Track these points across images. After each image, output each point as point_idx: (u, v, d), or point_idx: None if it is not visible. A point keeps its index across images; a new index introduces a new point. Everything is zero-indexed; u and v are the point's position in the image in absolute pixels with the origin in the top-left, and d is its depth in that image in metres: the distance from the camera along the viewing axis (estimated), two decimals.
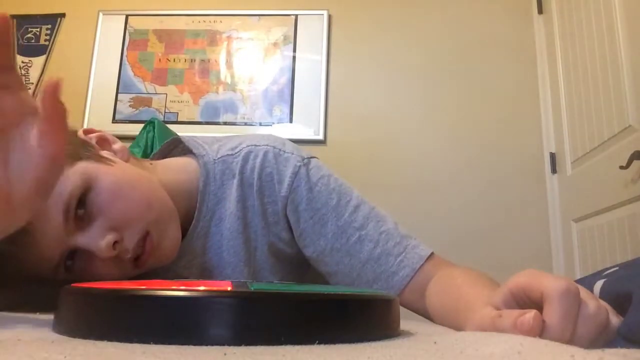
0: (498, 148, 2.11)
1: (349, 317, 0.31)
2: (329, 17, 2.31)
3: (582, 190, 1.78)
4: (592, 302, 0.32)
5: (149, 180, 0.60)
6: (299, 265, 0.70)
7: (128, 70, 2.34)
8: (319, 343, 0.29)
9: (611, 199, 1.54)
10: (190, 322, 0.28)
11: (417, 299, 0.60)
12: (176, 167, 0.67)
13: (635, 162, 1.39)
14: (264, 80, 2.28)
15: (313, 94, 2.23)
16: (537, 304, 0.32)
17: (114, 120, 2.28)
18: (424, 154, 2.14)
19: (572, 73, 1.86)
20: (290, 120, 2.22)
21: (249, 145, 0.67)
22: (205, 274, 0.66)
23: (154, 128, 1.76)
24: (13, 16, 2.46)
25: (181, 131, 1.82)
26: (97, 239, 0.51)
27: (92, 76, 2.32)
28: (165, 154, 0.74)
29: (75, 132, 0.58)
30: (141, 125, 1.81)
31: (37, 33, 2.43)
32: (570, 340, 0.30)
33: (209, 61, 2.32)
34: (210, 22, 2.37)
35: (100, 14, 2.40)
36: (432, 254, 0.62)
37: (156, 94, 2.31)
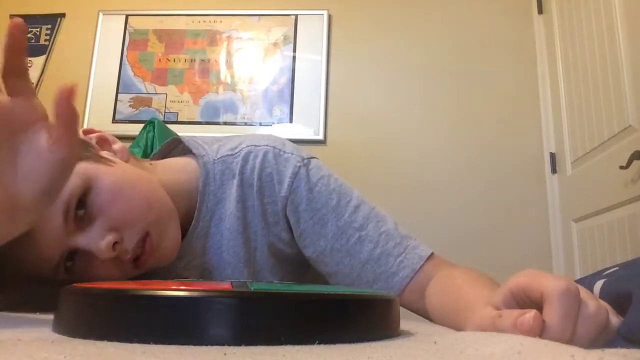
0: (498, 148, 2.11)
1: (349, 317, 0.31)
2: (329, 17, 2.31)
3: (582, 190, 1.78)
4: (592, 302, 0.32)
5: (148, 180, 0.60)
6: (299, 265, 0.70)
7: (128, 70, 2.34)
8: (319, 343, 0.29)
9: (611, 199, 1.54)
10: (190, 322, 0.28)
11: (417, 299, 0.60)
12: (176, 167, 0.67)
13: (635, 162, 1.39)
14: (264, 80, 2.28)
15: (313, 94, 2.23)
16: (537, 304, 0.32)
17: (114, 120, 2.28)
18: (424, 154, 2.14)
19: (572, 73, 1.86)
20: (290, 120, 2.22)
21: (248, 146, 0.67)
22: (205, 274, 0.66)
23: (154, 128, 1.76)
24: (13, 16, 2.46)
25: (181, 131, 1.82)
26: (97, 240, 0.51)
27: (92, 76, 2.32)
28: (165, 154, 0.74)
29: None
30: (141, 125, 1.81)
31: (37, 33, 2.43)
32: (570, 340, 0.30)
33: (209, 61, 2.32)
34: (210, 22, 2.37)
35: (100, 14, 2.40)
36: (432, 254, 0.62)
37: (156, 94, 2.31)
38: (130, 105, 2.30)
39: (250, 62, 2.31)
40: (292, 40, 2.30)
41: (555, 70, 2.02)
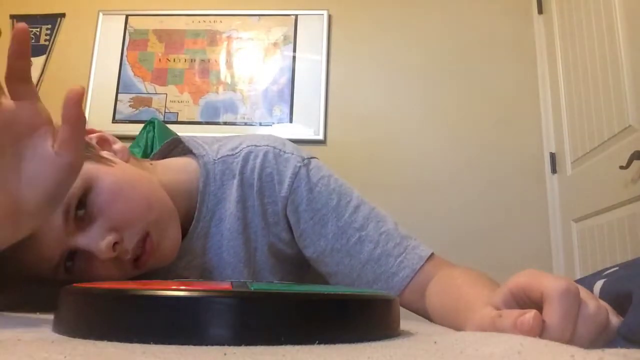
0: (498, 148, 2.11)
1: (349, 317, 0.31)
2: (329, 17, 2.32)
3: (582, 190, 1.78)
4: (592, 302, 0.32)
5: (149, 180, 0.59)
6: (299, 265, 0.70)
7: (128, 70, 2.34)
8: (319, 343, 0.29)
9: (611, 199, 1.54)
10: (190, 322, 0.28)
11: (417, 300, 0.60)
12: (176, 167, 0.67)
13: (635, 162, 1.39)
14: (264, 80, 2.28)
15: (313, 94, 2.23)
16: (537, 304, 0.32)
17: (114, 120, 2.28)
18: (424, 154, 2.14)
19: (572, 73, 1.86)
20: (290, 120, 2.22)
21: (249, 146, 0.67)
22: (205, 274, 0.66)
23: (154, 128, 1.76)
24: (13, 16, 2.46)
25: (181, 131, 1.82)
26: (97, 240, 0.51)
27: (92, 76, 2.32)
28: (165, 154, 0.74)
29: None
30: (141, 125, 1.81)
31: (37, 33, 2.43)
32: (570, 340, 0.30)
33: (209, 61, 2.32)
34: (210, 22, 2.37)
35: (100, 14, 2.40)
36: (432, 254, 0.62)
37: (156, 94, 2.31)
38: (130, 105, 2.30)
39: (250, 62, 2.31)
40: (292, 40, 2.30)
41: (555, 70, 2.02)
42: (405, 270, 0.61)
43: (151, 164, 0.66)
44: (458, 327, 0.43)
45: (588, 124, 1.72)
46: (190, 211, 0.64)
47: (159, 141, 1.71)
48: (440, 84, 2.21)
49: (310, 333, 0.29)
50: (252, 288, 0.32)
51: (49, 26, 2.44)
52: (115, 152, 0.60)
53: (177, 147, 0.74)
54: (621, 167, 1.41)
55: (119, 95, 2.31)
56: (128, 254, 0.54)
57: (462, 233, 2.01)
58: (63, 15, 2.46)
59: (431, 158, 2.14)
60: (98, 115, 2.27)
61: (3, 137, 0.37)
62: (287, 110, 2.23)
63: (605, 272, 0.41)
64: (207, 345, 0.27)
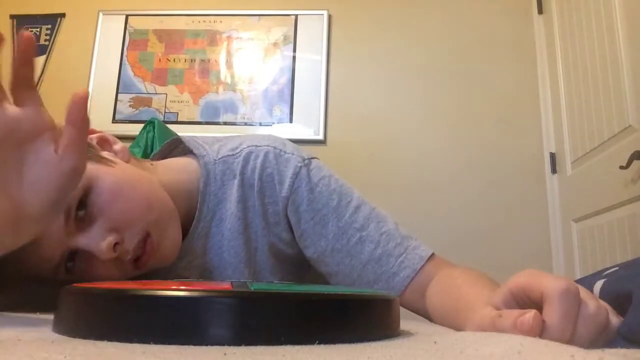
0: (498, 148, 2.11)
1: (349, 317, 0.31)
2: (329, 17, 2.32)
3: (582, 190, 1.78)
4: (592, 302, 0.32)
5: (149, 181, 0.59)
6: (300, 265, 0.70)
7: (128, 70, 2.34)
8: (319, 343, 0.29)
9: (611, 199, 1.54)
10: (190, 322, 0.28)
11: (418, 300, 0.61)
12: (176, 168, 0.67)
13: (635, 162, 1.39)
14: (264, 80, 2.28)
15: (313, 94, 2.23)
16: (537, 304, 0.32)
17: (114, 120, 2.28)
18: (424, 154, 2.14)
19: (572, 73, 1.86)
20: (290, 120, 2.22)
21: (249, 146, 0.67)
22: (206, 274, 0.66)
23: (154, 128, 1.76)
24: (13, 16, 2.46)
25: (181, 131, 1.82)
26: (97, 240, 0.51)
27: (92, 76, 2.32)
28: (166, 154, 0.74)
29: None
30: (141, 125, 1.81)
31: (37, 33, 2.43)
32: (570, 340, 0.30)
33: (209, 61, 2.32)
34: (210, 22, 2.37)
35: (100, 14, 2.40)
36: (432, 254, 0.62)
37: (156, 94, 2.31)
38: (130, 105, 2.30)
39: (250, 62, 2.31)
40: (292, 40, 2.30)
41: (555, 70, 2.02)
42: (406, 270, 0.61)
43: (152, 164, 0.66)
44: (458, 327, 0.43)
45: (588, 124, 1.72)
46: (190, 211, 0.64)
47: (159, 141, 1.71)
48: (440, 84, 2.21)
49: (310, 333, 0.29)
50: (252, 288, 0.32)
51: (49, 26, 2.44)
52: (115, 153, 0.60)
53: (177, 147, 0.74)
54: (621, 167, 1.41)
55: (119, 95, 2.31)
56: (128, 254, 0.54)
57: (462, 233, 2.01)
58: (63, 15, 2.46)
59: (431, 158, 2.14)
60: (98, 115, 2.27)
61: (6, 143, 0.38)
62: (287, 110, 2.23)
63: (605, 272, 0.41)
64: (207, 345, 0.27)
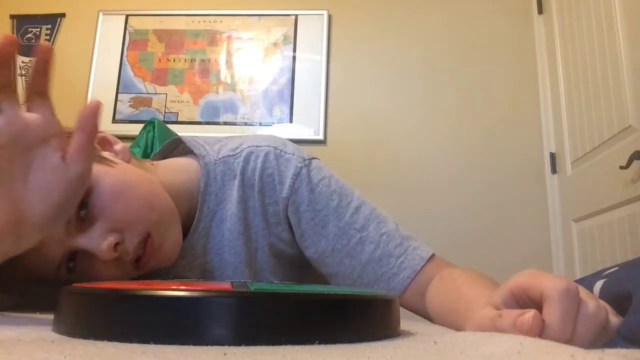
0: (498, 148, 2.11)
1: (349, 317, 0.31)
2: (329, 17, 2.32)
3: (582, 190, 1.78)
4: (592, 301, 0.32)
5: (150, 181, 0.59)
6: (300, 266, 0.70)
7: (128, 70, 2.34)
8: (319, 343, 0.29)
9: (611, 199, 1.54)
10: (190, 322, 0.28)
11: (418, 300, 0.61)
12: (177, 168, 0.67)
13: (635, 162, 1.39)
14: (264, 80, 2.28)
15: (313, 94, 2.23)
16: (537, 304, 0.32)
17: (114, 120, 2.28)
18: (424, 154, 2.14)
19: (572, 73, 1.86)
20: (290, 120, 2.22)
21: (250, 146, 0.67)
22: (206, 274, 0.66)
23: (154, 128, 1.76)
24: (13, 16, 2.46)
25: (181, 131, 1.82)
26: (98, 241, 0.51)
27: (92, 76, 2.32)
28: (166, 154, 0.74)
29: None
30: (141, 125, 1.81)
31: (37, 33, 2.43)
32: (570, 340, 0.30)
33: (209, 61, 2.32)
34: (210, 22, 2.37)
35: (100, 14, 2.40)
36: (432, 255, 0.62)
37: (156, 94, 2.31)
38: (130, 105, 2.30)
39: (250, 62, 2.31)
40: (292, 40, 2.30)
41: (555, 70, 2.02)
42: (406, 271, 0.61)
43: (152, 165, 0.66)
44: (458, 328, 0.43)
45: (588, 124, 1.72)
46: (191, 211, 0.64)
47: (159, 141, 1.71)
48: (440, 83, 2.21)
49: (310, 333, 0.29)
50: (252, 288, 0.32)
51: (49, 26, 2.44)
52: (116, 153, 0.60)
53: (177, 147, 0.74)
54: (621, 167, 1.41)
55: (119, 95, 2.31)
56: (129, 254, 0.54)
57: (462, 233, 2.01)
58: (63, 15, 2.46)
59: (431, 158, 2.14)
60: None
61: (13, 146, 0.38)
62: (287, 110, 2.23)
63: (605, 272, 0.41)
64: (207, 345, 0.27)
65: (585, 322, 0.31)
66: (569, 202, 1.90)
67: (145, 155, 1.63)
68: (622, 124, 1.48)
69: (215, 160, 0.66)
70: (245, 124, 2.24)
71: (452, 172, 2.11)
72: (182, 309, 0.28)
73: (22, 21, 2.46)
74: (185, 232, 0.63)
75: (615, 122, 1.53)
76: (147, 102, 2.30)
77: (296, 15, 2.33)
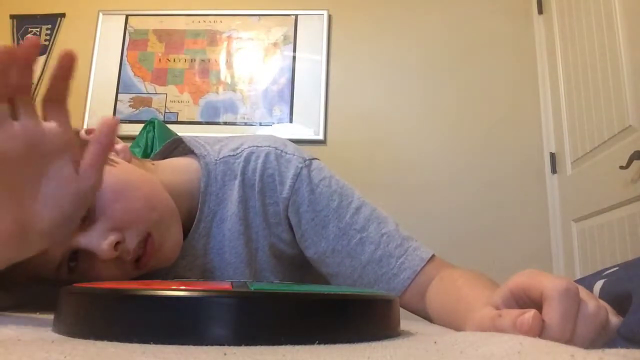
0: (498, 148, 2.11)
1: (349, 317, 0.31)
2: (329, 17, 2.32)
3: (582, 190, 1.78)
4: (592, 301, 0.32)
5: (151, 181, 0.59)
6: (300, 266, 0.70)
7: (128, 70, 2.34)
8: (319, 343, 0.29)
9: (611, 199, 1.54)
10: (190, 322, 0.28)
11: (418, 301, 0.61)
12: (178, 168, 0.67)
13: (635, 162, 1.39)
14: (264, 80, 2.28)
15: (313, 94, 2.23)
16: (537, 304, 0.32)
17: None
18: (423, 154, 2.14)
19: (572, 73, 1.86)
20: (290, 120, 2.22)
21: (250, 146, 0.67)
22: (207, 274, 0.66)
23: (154, 128, 1.76)
24: (13, 16, 2.46)
25: (181, 131, 1.82)
26: (98, 240, 0.51)
27: (92, 76, 2.32)
28: (166, 154, 0.74)
29: (77, 132, 0.58)
30: (141, 125, 1.82)
31: (37, 33, 2.43)
32: (570, 340, 0.30)
33: (209, 61, 2.32)
34: (210, 22, 2.37)
35: (100, 14, 2.40)
36: (433, 256, 0.62)
37: (156, 94, 2.31)
38: (130, 105, 2.30)
39: (250, 62, 2.31)
40: (292, 40, 2.30)
41: (555, 70, 2.02)
42: (406, 271, 0.61)
43: (153, 164, 0.66)
44: (458, 328, 0.43)
45: (588, 124, 1.72)
46: (191, 211, 0.64)
47: (159, 141, 1.71)
48: (440, 83, 2.21)
49: (310, 333, 0.29)
50: (252, 288, 0.32)
51: (49, 26, 2.44)
52: (117, 152, 0.60)
53: (178, 147, 0.74)
54: (621, 167, 1.41)
55: (119, 95, 2.31)
56: (130, 254, 0.54)
57: (462, 233, 2.01)
58: (63, 15, 2.46)
59: (431, 158, 2.14)
60: (98, 115, 2.27)
61: (29, 155, 0.37)
62: (287, 110, 2.23)
63: (605, 272, 0.41)
64: (207, 345, 0.27)
65: (585, 322, 0.31)
66: (569, 202, 1.90)
67: (145, 155, 1.64)
68: (622, 124, 1.48)
69: (216, 160, 0.66)
70: (245, 124, 2.24)
71: (452, 172, 2.11)
72: (182, 309, 0.28)
73: (22, 21, 2.46)
74: (186, 232, 0.63)
75: (615, 122, 1.53)
76: (147, 102, 2.30)
77: (296, 15, 2.33)
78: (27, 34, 2.44)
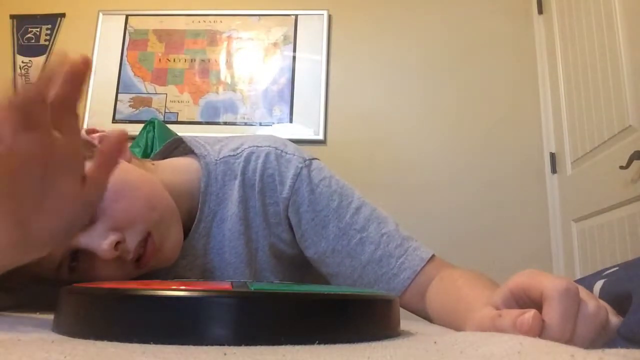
0: (498, 148, 2.11)
1: (349, 317, 0.31)
2: (329, 17, 2.32)
3: (582, 190, 1.78)
4: (592, 301, 0.32)
5: (151, 181, 0.59)
6: (300, 266, 0.70)
7: (128, 70, 2.34)
8: (319, 343, 0.29)
9: (611, 199, 1.54)
10: (190, 322, 0.28)
11: (418, 301, 0.61)
12: (178, 168, 0.67)
13: (635, 162, 1.39)
14: (264, 80, 2.28)
15: (313, 94, 2.23)
16: (537, 304, 0.32)
17: (114, 120, 2.28)
18: (423, 154, 2.14)
19: (572, 73, 1.86)
20: (290, 120, 2.22)
21: (250, 146, 0.67)
22: (207, 274, 0.66)
23: (154, 128, 1.76)
24: (13, 16, 2.46)
25: (181, 131, 1.82)
26: (99, 240, 0.51)
27: (92, 76, 2.32)
28: (167, 154, 0.74)
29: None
30: (141, 125, 1.82)
31: (37, 33, 2.43)
32: (570, 340, 0.30)
33: (209, 61, 2.32)
34: (210, 22, 2.37)
35: (100, 14, 2.40)
36: (433, 256, 0.62)
37: (156, 94, 2.31)
38: (130, 105, 2.30)
39: (250, 62, 2.31)
40: (292, 40, 2.30)
41: (555, 70, 2.02)
42: (406, 271, 0.61)
43: (153, 164, 0.66)
44: (458, 328, 0.43)
45: (588, 124, 1.72)
46: (192, 211, 0.65)
47: (159, 141, 1.71)
48: (440, 83, 2.21)
49: (310, 333, 0.29)
50: (252, 288, 0.32)
51: (49, 26, 2.44)
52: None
53: (178, 147, 0.74)
54: (621, 167, 1.41)
55: (119, 95, 2.31)
56: (130, 254, 0.54)
57: (462, 233, 2.01)
58: (63, 15, 2.46)
59: (431, 158, 2.14)
60: (98, 115, 2.27)
61: (33, 166, 0.36)
62: (287, 110, 2.23)
63: (605, 272, 0.41)
64: (207, 345, 0.27)
65: (585, 322, 0.31)
66: (569, 202, 1.90)
67: (145, 155, 1.64)
68: (622, 124, 1.48)
69: (216, 160, 0.66)
70: (245, 124, 2.24)
71: (452, 172, 2.11)
72: (182, 309, 0.28)
73: (22, 21, 2.46)
74: (186, 232, 0.63)
75: (615, 122, 1.53)
76: (147, 102, 2.30)
77: (296, 15, 2.33)
78: (27, 34, 2.44)
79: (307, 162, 0.65)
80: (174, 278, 0.63)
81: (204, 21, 2.37)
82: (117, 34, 2.38)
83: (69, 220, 0.39)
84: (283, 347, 0.27)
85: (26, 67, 2.39)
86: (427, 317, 0.59)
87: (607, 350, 0.25)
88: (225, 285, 0.33)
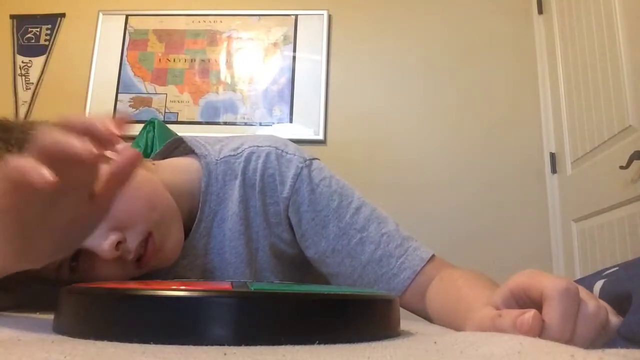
0: (498, 148, 2.11)
1: (349, 317, 0.31)
2: (329, 17, 2.31)
3: (582, 190, 1.78)
4: (592, 301, 0.32)
5: (152, 181, 0.59)
6: (301, 265, 0.70)
7: (128, 70, 2.34)
8: (319, 343, 0.29)
9: (611, 199, 1.54)
10: (190, 322, 0.28)
11: (418, 301, 0.61)
12: (178, 168, 0.67)
13: (635, 162, 1.39)
14: (264, 80, 2.28)
15: (313, 94, 2.23)
16: (537, 304, 0.32)
17: None
18: (424, 154, 2.14)
19: (572, 73, 1.86)
20: (290, 120, 2.22)
21: (251, 146, 0.67)
22: (207, 274, 0.66)
23: (154, 128, 1.76)
24: (13, 16, 2.46)
25: (181, 131, 1.82)
26: (99, 240, 0.51)
27: (92, 76, 2.32)
28: (167, 154, 0.74)
29: None
30: (141, 125, 1.82)
31: (37, 33, 2.43)
32: (570, 340, 0.30)
33: (209, 61, 2.32)
34: (210, 22, 2.37)
35: (100, 14, 2.40)
36: (433, 256, 0.62)
37: (156, 94, 2.31)
38: (130, 105, 2.30)
39: (250, 62, 2.31)
40: (292, 40, 2.30)
41: (555, 70, 2.02)
42: (406, 271, 0.61)
43: (153, 164, 0.66)
44: (458, 328, 0.43)
45: (588, 124, 1.72)
46: (192, 211, 0.65)
47: (159, 141, 1.71)
48: (440, 83, 2.21)
49: (310, 333, 0.29)
50: (252, 288, 0.32)
51: (49, 26, 2.44)
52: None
53: (178, 147, 0.74)
54: (621, 167, 1.41)
55: (119, 95, 2.31)
56: (131, 254, 0.54)
57: (462, 233, 2.01)
58: (63, 15, 2.46)
59: (431, 158, 2.14)
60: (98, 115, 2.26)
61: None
62: (287, 110, 2.23)
63: (605, 272, 0.41)
64: (207, 345, 0.27)
65: (585, 322, 0.31)
66: (569, 202, 1.90)
67: (146, 155, 1.64)
68: (622, 124, 1.48)
69: (217, 160, 0.66)
70: (245, 124, 2.24)
71: (452, 172, 2.11)
72: (182, 309, 0.28)
73: (22, 21, 2.46)
74: (186, 232, 0.63)
75: (615, 122, 1.53)
76: (147, 102, 2.30)
77: (296, 15, 2.33)
78: (27, 34, 2.44)
79: (307, 162, 0.65)
80: (174, 278, 0.63)
81: (204, 21, 2.37)
82: (117, 34, 2.38)
83: (73, 235, 0.39)
84: (283, 347, 0.27)
85: (26, 67, 2.39)
86: (427, 317, 0.59)
87: (607, 350, 0.25)
88: (225, 285, 0.33)
